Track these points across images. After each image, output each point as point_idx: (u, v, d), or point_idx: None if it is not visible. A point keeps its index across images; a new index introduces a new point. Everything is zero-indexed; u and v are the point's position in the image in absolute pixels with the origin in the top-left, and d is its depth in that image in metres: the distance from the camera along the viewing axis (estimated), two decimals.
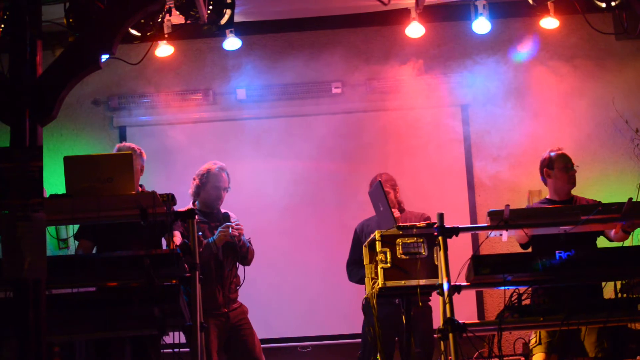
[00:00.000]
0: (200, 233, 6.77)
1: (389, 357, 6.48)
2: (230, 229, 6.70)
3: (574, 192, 6.43)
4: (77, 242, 6.46)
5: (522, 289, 5.37)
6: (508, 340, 6.90)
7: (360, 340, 6.95)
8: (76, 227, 6.54)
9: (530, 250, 6.17)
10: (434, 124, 8.61)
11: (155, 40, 7.06)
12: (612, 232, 5.93)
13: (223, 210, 6.95)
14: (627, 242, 5.76)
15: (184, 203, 5.56)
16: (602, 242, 6.30)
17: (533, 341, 5.88)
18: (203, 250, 6.68)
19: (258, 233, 7.12)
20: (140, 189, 6.36)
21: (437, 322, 5.42)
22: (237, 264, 6.91)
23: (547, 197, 6.45)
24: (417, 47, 8.67)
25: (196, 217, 6.77)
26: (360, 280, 6.95)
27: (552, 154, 6.41)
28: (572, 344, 5.44)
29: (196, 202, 7.01)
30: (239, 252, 6.80)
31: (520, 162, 8.33)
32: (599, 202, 6.35)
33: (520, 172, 8.24)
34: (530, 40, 8.56)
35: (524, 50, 8.56)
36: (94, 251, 6.53)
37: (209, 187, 6.94)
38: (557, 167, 6.36)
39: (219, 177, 6.94)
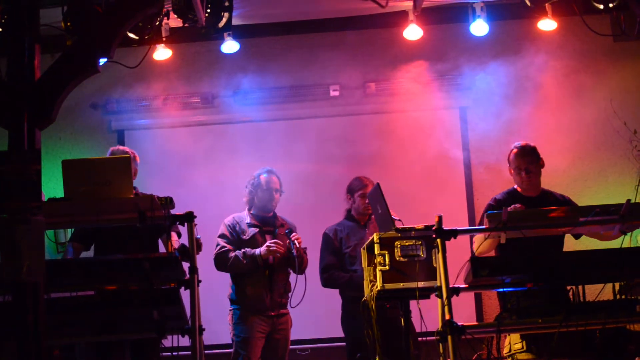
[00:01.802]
0: (249, 236, 6.89)
1: None
2: (277, 246, 6.82)
3: (564, 191, 6.44)
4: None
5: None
6: None
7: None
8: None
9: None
10: (432, 126, 8.62)
11: (153, 44, 7.07)
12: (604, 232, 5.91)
13: (291, 223, 7.12)
14: (626, 243, 5.75)
15: (184, 206, 5.55)
16: (589, 242, 6.33)
17: (518, 346, 5.77)
18: (249, 261, 6.82)
19: None
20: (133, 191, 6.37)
21: (435, 324, 5.41)
22: (288, 269, 7.00)
23: (515, 187, 6.36)
24: (415, 49, 8.69)
25: (249, 219, 6.87)
26: (344, 285, 6.92)
27: (513, 149, 6.32)
28: (564, 346, 5.42)
29: (252, 210, 7.10)
30: (293, 262, 6.87)
31: None
32: (569, 198, 6.34)
33: None
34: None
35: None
36: (87, 254, 6.55)
37: (261, 191, 7.05)
38: (514, 167, 6.31)
39: (269, 180, 7.05)
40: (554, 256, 5.42)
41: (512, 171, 6.33)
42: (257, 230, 6.98)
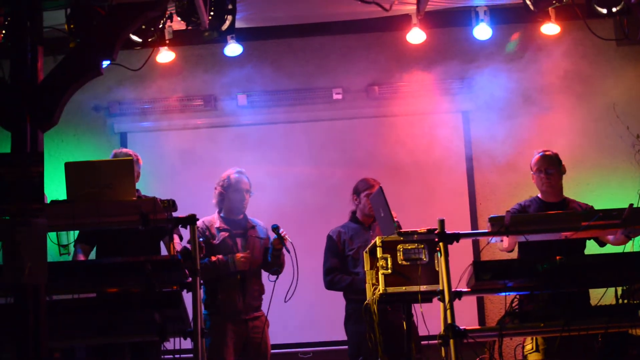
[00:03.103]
0: (219, 240, 6.81)
1: None
2: (244, 256, 6.76)
3: (567, 194, 6.47)
4: (72, 248, 6.46)
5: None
6: (509, 346, 6.88)
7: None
8: (77, 233, 6.54)
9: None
10: (434, 130, 8.61)
11: (156, 46, 7.07)
12: (611, 237, 5.93)
13: (263, 224, 6.99)
14: (628, 247, 5.75)
15: (187, 208, 5.56)
16: (592, 246, 6.33)
17: (529, 347, 5.86)
18: (220, 266, 6.73)
19: None
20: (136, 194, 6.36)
21: (437, 327, 5.41)
22: (261, 270, 6.96)
23: (538, 195, 6.49)
24: (418, 53, 8.68)
25: (218, 223, 6.85)
26: (346, 287, 6.90)
27: (537, 154, 6.50)
28: (570, 350, 5.43)
29: (221, 212, 7.01)
30: (275, 261, 6.83)
31: (521, 168, 8.31)
32: (591, 206, 6.38)
33: (521, 178, 8.23)
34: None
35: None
36: (92, 255, 6.54)
37: (231, 192, 6.95)
38: (535, 170, 6.45)
39: (240, 181, 6.96)
40: (556, 260, 5.41)
41: (534, 175, 6.47)
42: (227, 234, 6.88)
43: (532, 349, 5.84)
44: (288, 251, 6.72)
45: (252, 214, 7.07)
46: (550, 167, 6.41)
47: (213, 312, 6.78)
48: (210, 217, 6.98)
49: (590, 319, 5.13)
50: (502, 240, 5.79)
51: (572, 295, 5.73)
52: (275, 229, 6.78)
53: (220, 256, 6.73)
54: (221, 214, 7.00)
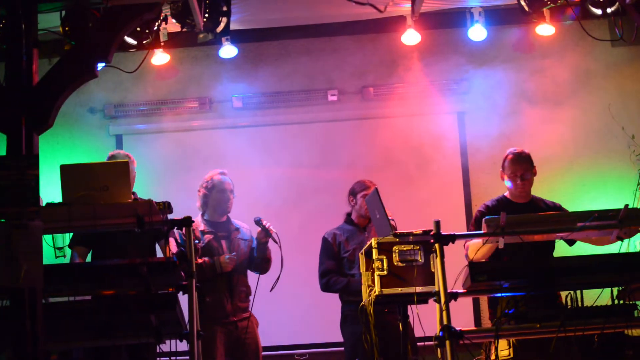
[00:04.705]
0: (198, 242, 6.77)
1: None
2: (230, 258, 6.72)
3: (563, 195, 6.42)
4: (69, 251, 6.45)
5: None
6: None
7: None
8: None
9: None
10: (430, 131, 8.62)
11: (151, 49, 7.07)
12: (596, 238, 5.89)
13: (247, 226, 6.95)
14: (624, 248, 5.75)
15: (182, 210, 5.55)
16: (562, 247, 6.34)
17: (505, 353, 5.71)
18: (207, 269, 6.68)
19: None
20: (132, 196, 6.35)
21: (433, 329, 5.41)
22: (247, 272, 6.94)
23: (505, 195, 6.33)
24: (413, 54, 8.69)
25: (202, 226, 6.83)
26: (342, 289, 6.90)
27: (508, 156, 6.25)
28: (562, 351, 5.41)
29: (204, 214, 6.99)
30: (262, 256, 6.83)
31: None
32: (559, 205, 6.30)
33: None
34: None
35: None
36: (88, 256, 6.53)
37: (216, 193, 6.94)
38: (509, 173, 6.22)
39: (224, 182, 6.95)
40: (552, 261, 5.41)
41: (506, 177, 6.26)
42: (212, 236, 6.86)
43: (509, 355, 5.70)
44: (275, 241, 6.69)
45: (247, 214, 7.05)
46: (526, 172, 6.16)
47: (201, 315, 6.75)
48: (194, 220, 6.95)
49: (586, 320, 5.12)
50: (498, 242, 5.75)
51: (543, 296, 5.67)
52: (258, 221, 6.77)
53: (206, 258, 6.70)
54: (205, 217, 6.98)
